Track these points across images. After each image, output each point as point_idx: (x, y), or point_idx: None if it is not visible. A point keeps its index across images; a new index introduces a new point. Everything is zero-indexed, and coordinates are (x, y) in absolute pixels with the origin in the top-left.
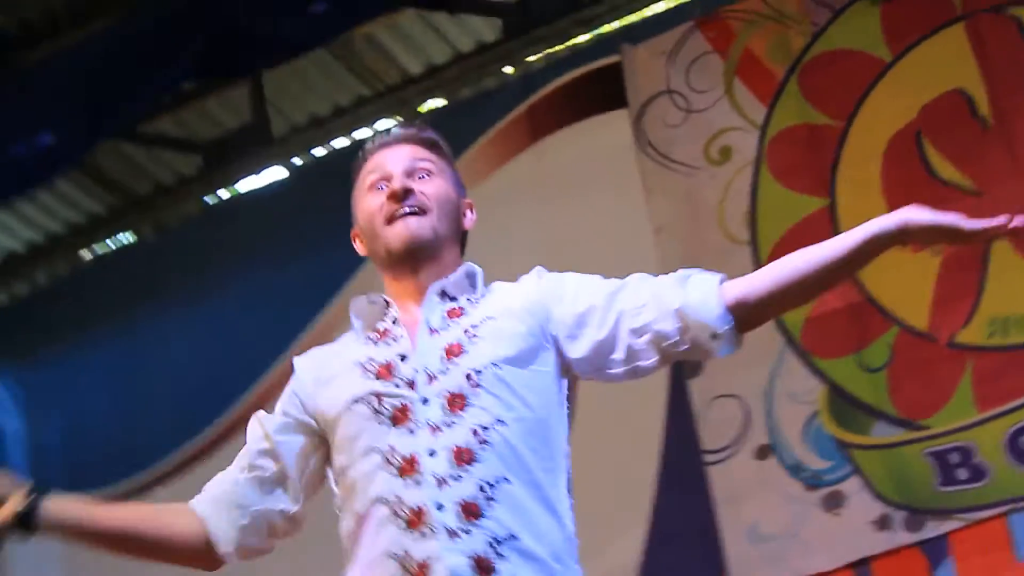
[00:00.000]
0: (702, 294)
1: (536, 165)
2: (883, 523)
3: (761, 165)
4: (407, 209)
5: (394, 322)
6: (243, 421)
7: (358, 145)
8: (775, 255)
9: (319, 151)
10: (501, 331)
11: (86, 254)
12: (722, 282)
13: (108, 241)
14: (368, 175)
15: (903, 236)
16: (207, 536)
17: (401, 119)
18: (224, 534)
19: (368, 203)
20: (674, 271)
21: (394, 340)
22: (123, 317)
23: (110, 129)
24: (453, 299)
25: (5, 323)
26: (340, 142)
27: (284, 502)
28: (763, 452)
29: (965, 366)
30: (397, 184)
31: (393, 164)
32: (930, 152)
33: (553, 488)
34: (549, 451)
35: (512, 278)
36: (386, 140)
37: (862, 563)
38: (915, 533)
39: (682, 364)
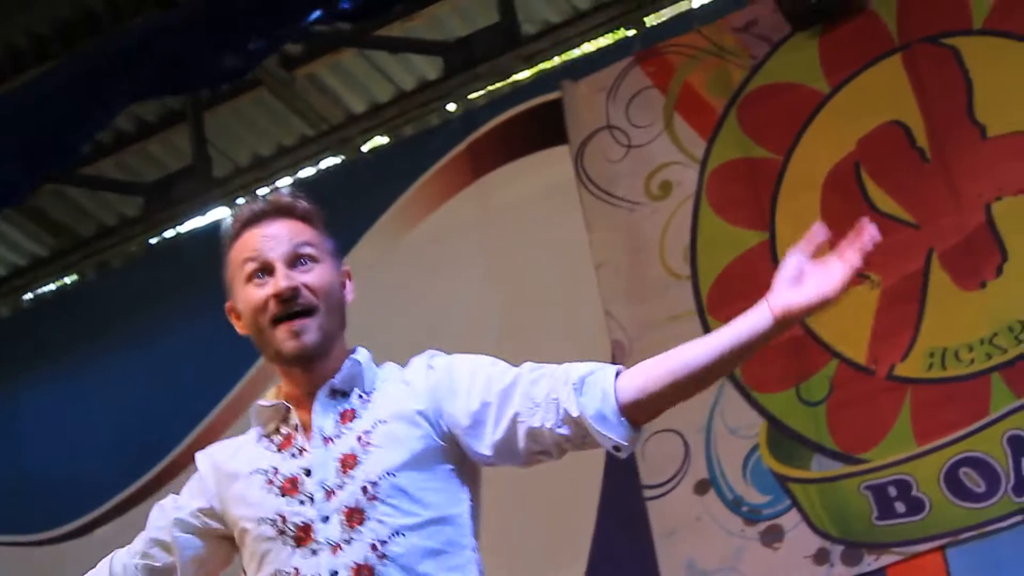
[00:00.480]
0: (599, 403)
1: (478, 202)
2: (821, 557)
3: (701, 199)
4: (295, 309)
5: (296, 428)
6: (185, 462)
7: (301, 184)
8: (716, 289)
9: (263, 191)
10: (394, 436)
11: (28, 296)
12: (616, 381)
13: (51, 283)
14: (245, 260)
15: (784, 326)
16: None
17: (344, 158)
18: None
19: (250, 296)
20: (615, 305)
21: (299, 452)
22: (66, 359)
23: (48, 170)
24: (344, 395)
25: None
26: (284, 181)
27: None
28: (703, 487)
29: (904, 399)
30: (283, 284)
31: (272, 250)
32: (869, 184)
33: None
34: (454, 548)
35: (454, 313)
36: (258, 212)
37: None
38: (852, 567)
39: None
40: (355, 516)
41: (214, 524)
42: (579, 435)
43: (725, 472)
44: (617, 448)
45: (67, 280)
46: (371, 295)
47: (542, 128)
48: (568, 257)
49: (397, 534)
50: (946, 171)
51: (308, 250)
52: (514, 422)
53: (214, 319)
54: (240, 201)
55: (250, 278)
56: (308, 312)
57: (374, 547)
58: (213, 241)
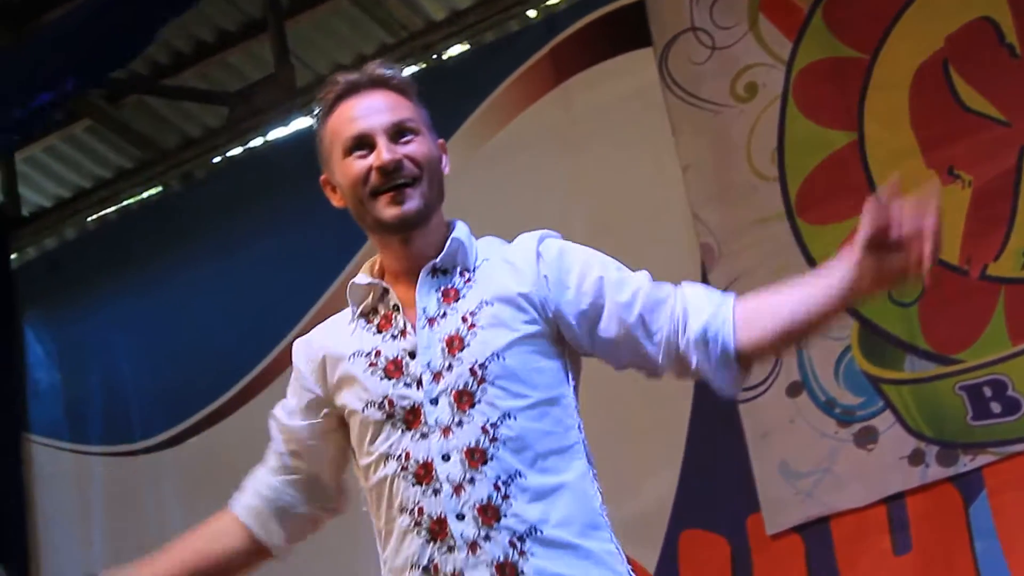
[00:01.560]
0: (718, 362)
1: (561, 107)
2: (916, 458)
3: (788, 100)
4: (398, 181)
5: (395, 308)
6: (276, 371)
7: None
8: (804, 190)
9: None
10: (500, 318)
11: (113, 208)
12: (735, 336)
13: (136, 195)
14: (344, 129)
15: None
16: (258, 543)
17: (425, 65)
18: (275, 537)
19: (350, 169)
20: (703, 209)
21: (400, 333)
22: (151, 270)
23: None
24: (445, 272)
25: (33, 278)
26: None
27: (322, 498)
28: (795, 389)
29: (998, 298)
30: (386, 156)
31: (372, 122)
32: (957, 81)
33: (570, 467)
34: (562, 429)
35: (539, 221)
36: (355, 83)
37: (897, 501)
38: (948, 467)
39: None
40: (464, 398)
41: (328, 414)
42: (685, 374)
43: (817, 374)
44: (721, 389)
45: (152, 192)
46: (453, 203)
47: (625, 31)
48: (654, 161)
49: (508, 416)
50: None
51: (409, 123)
52: (626, 334)
53: (299, 228)
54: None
55: (349, 150)
56: (410, 183)
57: (485, 430)
58: (296, 151)
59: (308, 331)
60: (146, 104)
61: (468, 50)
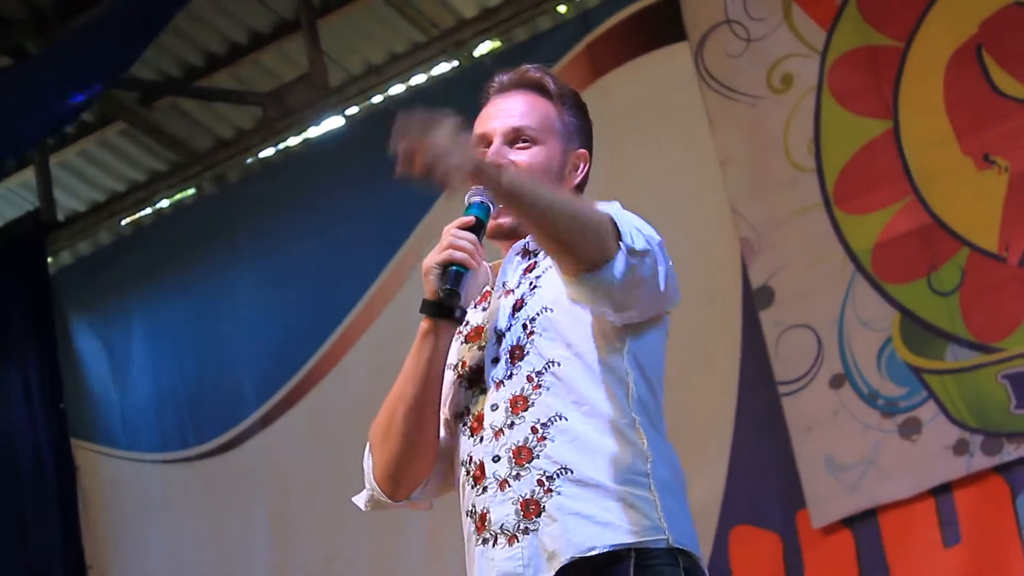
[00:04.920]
0: None
1: (599, 102)
2: (960, 447)
3: (823, 90)
4: None
5: (493, 286)
6: (321, 372)
7: (415, 91)
8: (842, 180)
9: (376, 99)
10: (553, 278)
11: (147, 211)
12: None
13: (170, 198)
14: (479, 125)
15: None
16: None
17: (457, 63)
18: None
19: None
20: (741, 202)
21: (488, 304)
22: (187, 273)
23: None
24: (536, 253)
25: (70, 283)
26: (396, 89)
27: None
28: (837, 381)
29: None
30: (489, 157)
31: (496, 124)
32: (992, 67)
33: (615, 411)
34: (612, 380)
35: None
36: (504, 84)
37: (944, 493)
38: (993, 456)
39: (753, 296)
40: (516, 352)
41: None
42: None
43: (859, 366)
44: None
45: (186, 194)
46: None
47: (660, 25)
48: (692, 155)
49: (552, 363)
50: None
51: (529, 130)
52: None
53: (337, 227)
54: (353, 109)
55: (476, 145)
56: None
57: (530, 378)
58: (330, 150)
59: (352, 330)
60: (179, 106)
61: (501, 47)
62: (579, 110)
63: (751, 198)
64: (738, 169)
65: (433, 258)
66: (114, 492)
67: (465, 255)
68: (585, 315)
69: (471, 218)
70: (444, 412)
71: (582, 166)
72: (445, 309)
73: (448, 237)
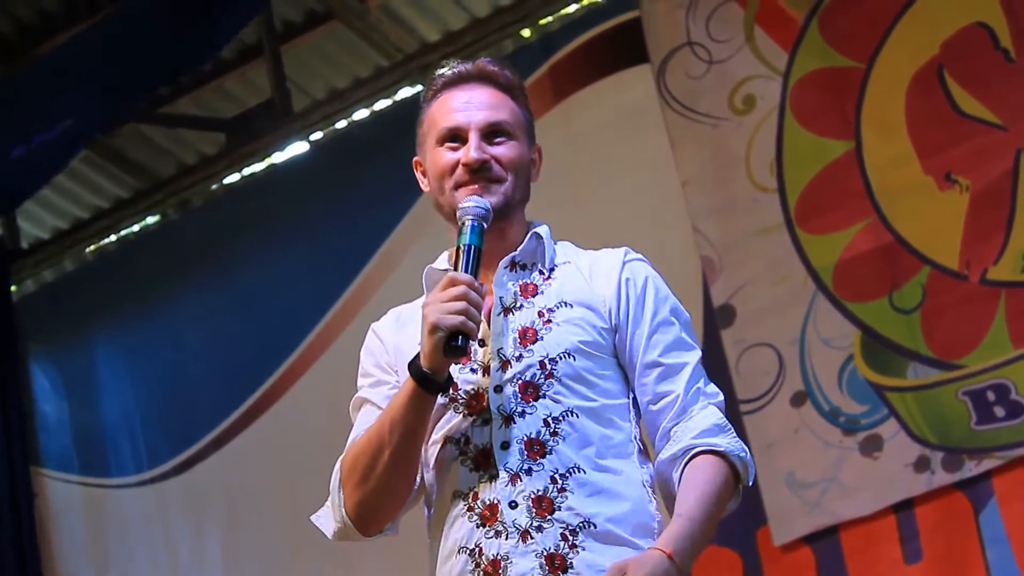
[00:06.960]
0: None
1: (562, 125)
2: (921, 464)
3: (785, 111)
4: (483, 178)
5: None
6: (275, 395)
7: (378, 116)
8: (803, 200)
9: (340, 124)
10: (575, 320)
11: (112, 238)
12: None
13: (134, 224)
14: (442, 119)
15: None
16: None
17: (421, 87)
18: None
19: (440, 159)
20: (703, 222)
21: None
22: (151, 299)
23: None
24: (524, 268)
25: (34, 310)
26: (360, 113)
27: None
28: (799, 399)
29: (999, 302)
30: (473, 155)
31: (469, 117)
32: (953, 87)
33: (628, 470)
34: (623, 435)
35: None
36: (463, 75)
37: (906, 509)
38: (953, 473)
39: (715, 314)
40: (530, 390)
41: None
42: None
43: (821, 383)
44: None
45: (150, 221)
46: None
47: (622, 48)
48: (654, 176)
49: (570, 413)
50: None
51: (505, 124)
52: (655, 413)
53: (299, 253)
54: (317, 135)
55: (442, 140)
56: (495, 181)
57: (547, 422)
58: (294, 176)
59: (309, 353)
60: (142, 133)
61: None
62: (527, 103)
63: (713, 218)
64: (700, 189)
65: (444, 319)
66: (66, 518)
67: (475, 326)
68: (609, 372)
69: (475, 251)
70: (433, 431)
71: (538, 161)
72: (442, 387)
73: (460, 301)
